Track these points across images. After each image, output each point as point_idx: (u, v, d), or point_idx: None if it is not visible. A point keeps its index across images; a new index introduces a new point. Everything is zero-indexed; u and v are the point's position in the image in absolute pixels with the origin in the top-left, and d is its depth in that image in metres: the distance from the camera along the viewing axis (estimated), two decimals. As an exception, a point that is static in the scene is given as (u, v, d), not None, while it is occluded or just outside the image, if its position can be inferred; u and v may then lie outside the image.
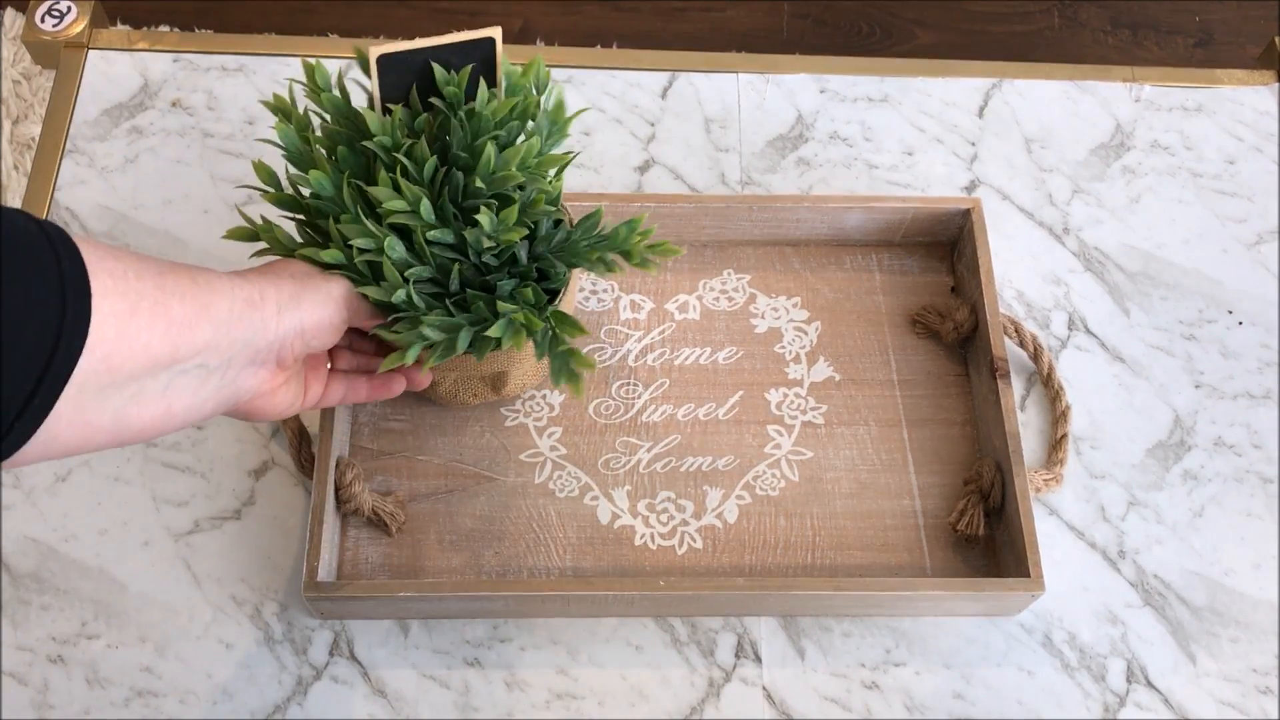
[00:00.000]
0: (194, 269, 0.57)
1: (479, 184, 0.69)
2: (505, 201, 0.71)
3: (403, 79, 0.72)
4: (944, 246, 0.93)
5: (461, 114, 0.70)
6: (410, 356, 0.69)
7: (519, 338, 0.69)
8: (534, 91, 0.74)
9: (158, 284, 0.51)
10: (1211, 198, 0.99)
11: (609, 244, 0.73)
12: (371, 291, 0.70)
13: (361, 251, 0.69)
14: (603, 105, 1.01)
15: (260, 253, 0.72)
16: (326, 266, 0.69)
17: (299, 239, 0.74)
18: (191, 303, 0.54)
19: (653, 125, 1.01)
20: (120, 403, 0.50)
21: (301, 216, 0.73)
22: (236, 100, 0.99)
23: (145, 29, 1.20)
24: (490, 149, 0.69)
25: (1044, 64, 1.06)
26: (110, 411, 0.49)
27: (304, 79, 0.74)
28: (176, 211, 0.94)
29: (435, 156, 0.70)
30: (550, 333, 0.71)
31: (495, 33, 0.72)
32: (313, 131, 0.73)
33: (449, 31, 0.72)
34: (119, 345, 0.48)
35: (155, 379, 0.52)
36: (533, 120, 0.74)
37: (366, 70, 0.72)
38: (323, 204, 0.70)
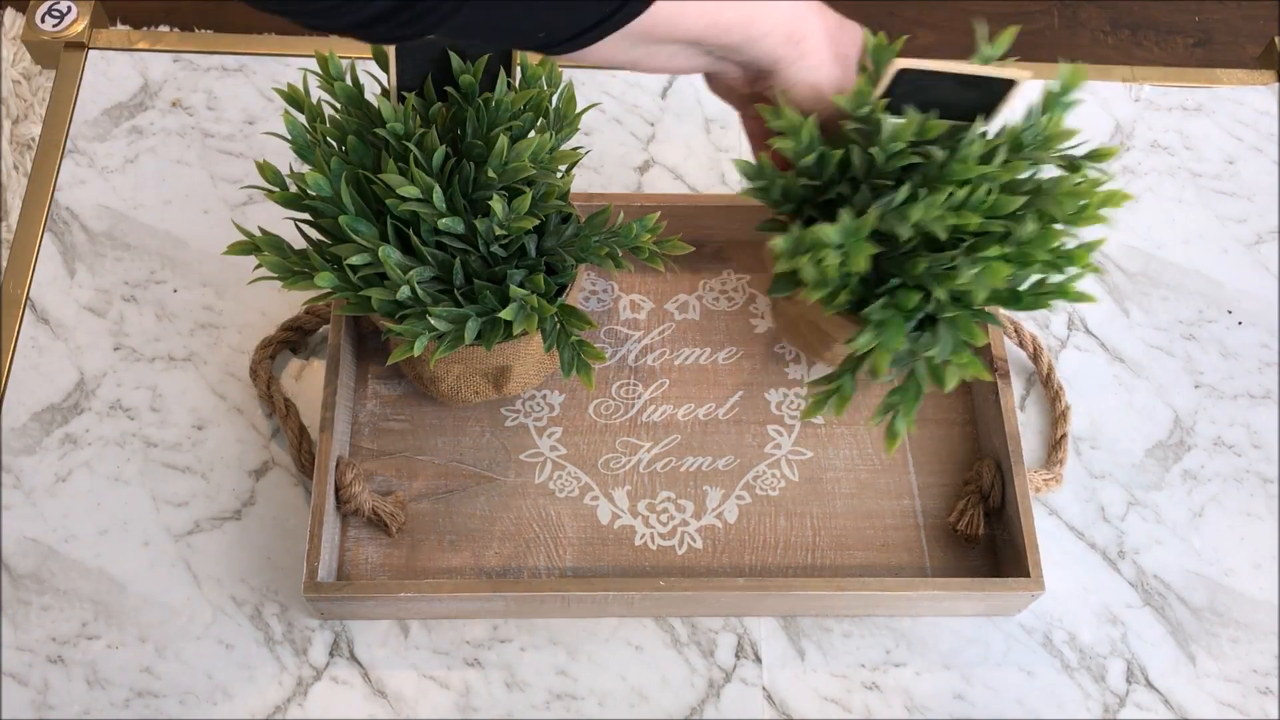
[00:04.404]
0: None
1: (490, 175, 0.70)
2: (515, 194, 0.71)
3: (419, 68, 0.72)
4: (944, 246, 0.93)
5: (479, 101, 0.71)
6: (418, 348, 0.69)
7: (530, 321, 0.69)
8: (545, 85, 0.74)
9: None
10: (1211, 198, 0.99)
11: (620, 239, 0.73)
12: (376, 293, 0.70)
13: (356, 269, 0.70)
14: (603, 105, 1.01)
15: (257, 267, 0.72)
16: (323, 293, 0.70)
17: (305, 241, 0.74)
18: (739, 13, 0.61)
19: (653, 125, 1.01)
20: (639, 54, 0.62)
21: (307, 216, 0.73)
22: (236, 100, 0.99)
23: (145, 29, 1.20)
24: (504, 139, 0.69)
25: (1044, 64, 1.05)
26: (629, 54, 0.61)
27: (316, 70, 0.74)
28: (176, 211, 0.94)
29: (446, 147, 0.71)
30: (559, 326, 0.71)
31: None
32: (322, 122, 0.73)
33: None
34: (661, 19, 0.58)
35: (671, 47, 0.62)
36: (544, 117, 0.74)
37: (382, 64, 0.73)
38: (321, 204, 0.70)
